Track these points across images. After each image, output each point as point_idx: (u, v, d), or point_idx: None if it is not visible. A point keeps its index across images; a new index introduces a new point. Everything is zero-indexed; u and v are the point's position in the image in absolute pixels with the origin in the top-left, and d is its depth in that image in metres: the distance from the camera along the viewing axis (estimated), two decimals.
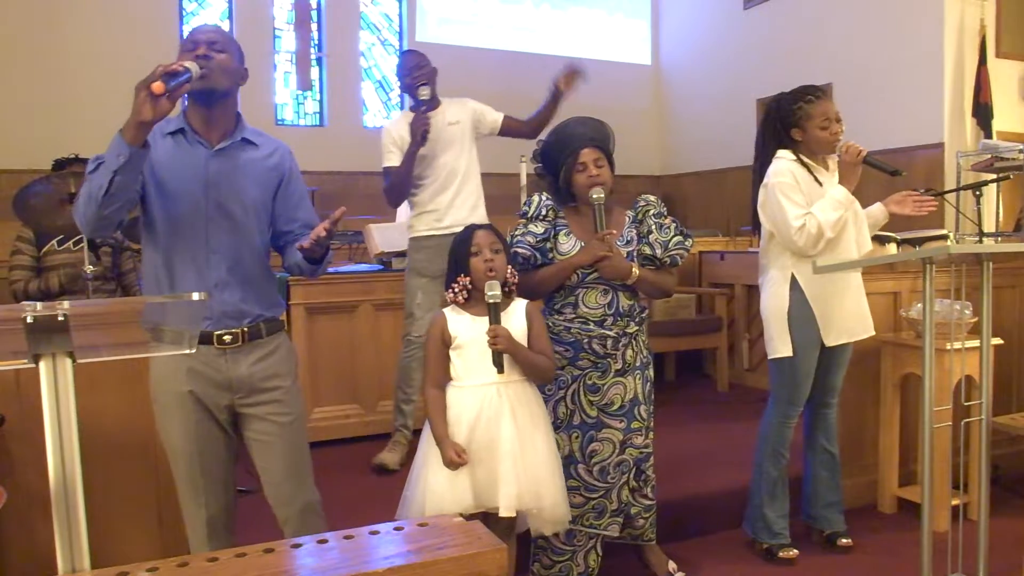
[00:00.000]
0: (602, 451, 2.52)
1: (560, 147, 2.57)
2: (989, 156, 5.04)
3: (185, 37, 1.99)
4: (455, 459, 2.12)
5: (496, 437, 2.18)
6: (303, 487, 2.11)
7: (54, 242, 3.64)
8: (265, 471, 2.08)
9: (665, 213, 2.64)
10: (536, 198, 2.58)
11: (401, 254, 3.86)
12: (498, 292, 2.19)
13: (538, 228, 2.53)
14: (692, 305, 5.17)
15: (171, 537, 2.36)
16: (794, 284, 2.78)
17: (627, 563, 2.76)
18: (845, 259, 2.74)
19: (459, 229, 2.41)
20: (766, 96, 7.92)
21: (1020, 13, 6.62)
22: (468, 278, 2.26)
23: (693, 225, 7.51)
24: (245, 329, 1.99)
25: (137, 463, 2.33)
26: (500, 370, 2.19)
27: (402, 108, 6.35)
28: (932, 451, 2.23)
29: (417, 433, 2.48)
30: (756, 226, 2.89)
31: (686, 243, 2.58)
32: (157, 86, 1.68)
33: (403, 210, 4.10)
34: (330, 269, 3.40)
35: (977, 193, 4.35)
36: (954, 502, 2.88)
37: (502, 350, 2.17)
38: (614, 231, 2.52)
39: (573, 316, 2.51)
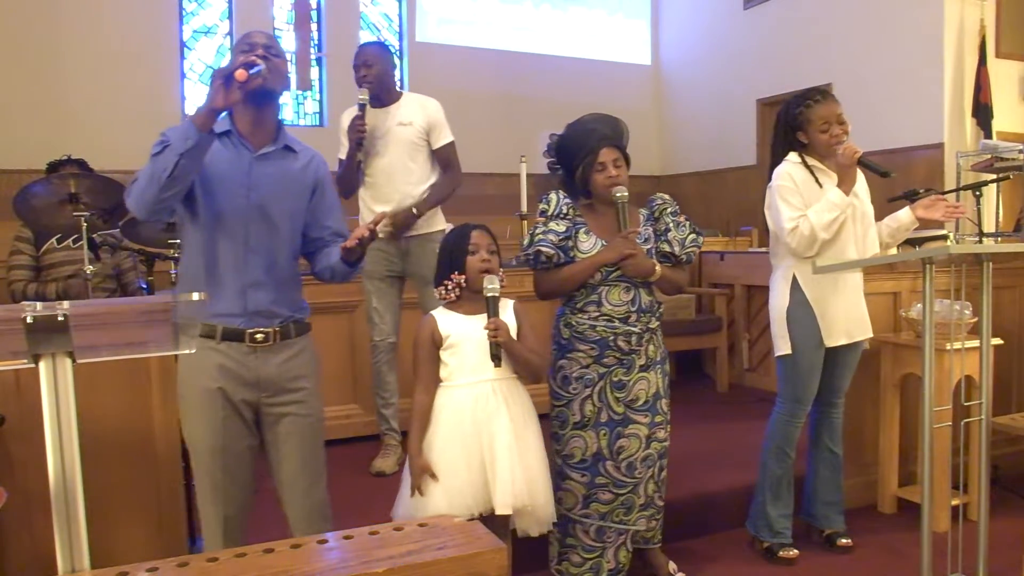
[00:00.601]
0: (629, 447, 2.54)
1: (578, 144, 2.58)
2: (989, 156, 5.03)
3: (238, 39, 2.05)
4: (419, 485, 2.16)
5: (492, 433, 2.18)
6: (316, 487, 2.12)
7: (53, 240, 3.63)
8: (280, 469, 2.09)
9: (679, 211, 2.67)
10: (554, 196, 2.58)
11: None
12: (497, 286, 2.20)
13: (559, 227, 2.53)
14: (692, 305, 5.17)
15: (171, 537, 2.36)
16: (795, 284, 2.80)
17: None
18: (844, 260, 2.75)
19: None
20: (766, 96, 8.00)
21: (1020, 13, 6.61)
22: (463, 276, 2.26)
23: None
24: (276, 329, 2.03)
25: (137, 463, 2.32)
26: (497, 363, 2.19)
27: None
28: (932, 451, 2.24)
29: (405, 434, 2.49)
30: (767, 227, 2.92)
31: (699, 240, 2.64)
32: (240, 73, 1.78)
33: None
34: None
35: (977, 193, 4.34)
36: (954, 502, 2.88)
37: (503, 343, 2.17)
38: (638, 229, 2.54)
39: (597, 314, 2.52)
